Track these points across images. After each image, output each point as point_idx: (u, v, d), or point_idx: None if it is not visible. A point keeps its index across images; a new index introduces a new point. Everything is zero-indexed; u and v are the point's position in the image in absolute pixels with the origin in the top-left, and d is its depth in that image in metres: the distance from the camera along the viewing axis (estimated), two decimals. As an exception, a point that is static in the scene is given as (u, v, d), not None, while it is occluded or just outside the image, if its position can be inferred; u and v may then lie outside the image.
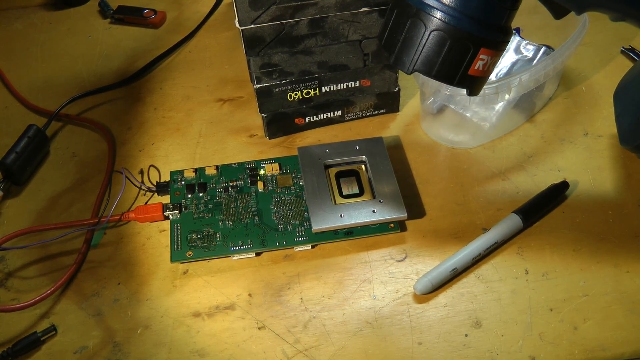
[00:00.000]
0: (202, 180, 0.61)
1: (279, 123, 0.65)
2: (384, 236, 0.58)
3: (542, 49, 0.68)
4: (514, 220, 0.57)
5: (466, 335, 0.51)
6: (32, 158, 0.64)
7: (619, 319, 0.52)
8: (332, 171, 0.60)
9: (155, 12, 0.82)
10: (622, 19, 0.52)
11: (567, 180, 0.61)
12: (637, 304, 0.53)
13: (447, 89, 0.60)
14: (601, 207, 0.60)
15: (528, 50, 0.68)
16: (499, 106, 0.64)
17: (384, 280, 0.55)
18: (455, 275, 0.55)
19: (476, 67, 0.47)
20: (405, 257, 0.57)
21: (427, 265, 0.56)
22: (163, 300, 0.54)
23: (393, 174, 0.59)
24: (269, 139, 0.67)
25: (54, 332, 0.52)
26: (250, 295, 0.54)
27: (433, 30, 0.45)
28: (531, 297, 0.53)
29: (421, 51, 0.46)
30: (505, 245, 0.57)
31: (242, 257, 0.56)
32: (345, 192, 0.58)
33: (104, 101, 0.72)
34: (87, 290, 0.55)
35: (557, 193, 0.60)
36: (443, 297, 0.54)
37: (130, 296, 0.54)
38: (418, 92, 0.70)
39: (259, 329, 0.52)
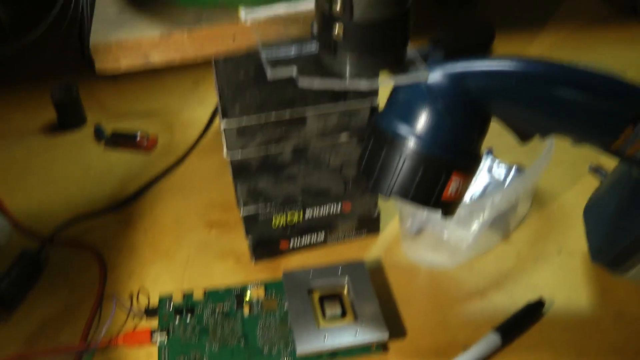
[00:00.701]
0: (189, 304, 0.63)
1: (265, 247, 0.68)
2: (367, 357, 0.59)
3: (514, 168, 0.71)
4: (493, 339, 0.59)
5: None
6: (24, 284, 0.66)
7: None
8: (316, 295, 0.62)
9: (147, 136, 0.86)
10: (581, 142, 0.55)
11: (543, 297, 0.63)
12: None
13: (424, 211, 0.63)
14: (578, 323, 0.62)
15: (500, 170, 0.72)
16: (474, 226, 0.67)
17: (368, 403, 0.56)
18: (437, 396, 0.56)
19: (449, 190, 0.50)
20: (388, 379, 0.58)
21: (409, 386, 0.57)
22: None
23: (374, 296, 0.61)
24: (255, 262, 0.69)
25: None
26: (236, 420, 0.55)
27: (407, 157, 0.48)
28: (512, 418, 0.54)
29: (397, 177, 0.49)
30: (485, 364, 0.58)
31: (229, 381, 0.57)
32: (328, 315, 0.60)
33: (97, 226, 0.74)
34: (75, 418, 0.56)
35: (533, 311, 0.62)
36: (425, 419, 0.55)
37: None
38: (398, 213, 0.73)
39: None
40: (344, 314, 0.60)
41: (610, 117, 0.52)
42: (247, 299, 0.63)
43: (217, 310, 0.62)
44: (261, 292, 0.63)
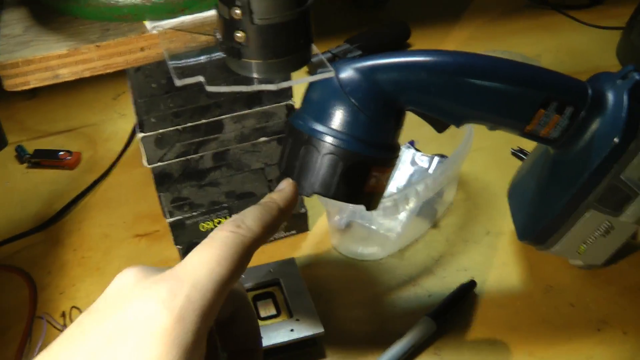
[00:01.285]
0: (122, 317, 0.62)
1: (195, 253, 0.67)
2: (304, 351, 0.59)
3: (436, 159, 0.72)
4: (427, 323, 0.60)
5: None
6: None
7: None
8: (249, 295, 0.62)
9: (70, 153, 0.84)
10: (497, 127, 0.57)
11: (474, 278, 0.64)
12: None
13: (350, 205, 0.64)
14: (510, 299, 0.64)
15: (423, 161, 0.73)
16: (402, 216, 0.68)
17: (306, 398, 0.56)
18: (375, 384, 0.56)
19: (370, 184, 0.50)
20: (326, 373, 0.58)
21: (347, 378, 0.57)
22: None
23: (307, 292, 0.61)
24: (187, 269, 0.68)
25: None
26: None
27: (325, 154, 0.48)
28: (450, 398, 0.55)
29: (317, 175, 0.49)
30: (423, 348, 0.59)
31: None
32: (262, 315, 0.60)
33: (23, 247, 0.73)
34: None
35: (465, 292, 0.64)
36: (364, 408, 0.55)
37: None
38: (325, 210, 0.73)
39: None
40: (278, 312, 0.61)
41: (522, 102, 0.54)
42: (180, 306, 0.63)
43: (150, 320, 0.61)
44: (193, 298, 0.63)
